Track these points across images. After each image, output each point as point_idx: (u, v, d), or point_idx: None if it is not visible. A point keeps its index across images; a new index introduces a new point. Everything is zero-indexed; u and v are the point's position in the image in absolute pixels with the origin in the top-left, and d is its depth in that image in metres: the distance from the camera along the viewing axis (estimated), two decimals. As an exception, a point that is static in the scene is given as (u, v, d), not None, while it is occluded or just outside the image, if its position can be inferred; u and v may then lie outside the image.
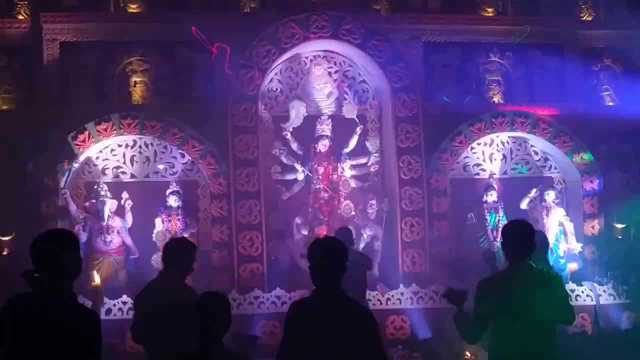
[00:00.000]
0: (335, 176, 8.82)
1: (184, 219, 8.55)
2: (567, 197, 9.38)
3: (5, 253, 8.25)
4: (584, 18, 9.70)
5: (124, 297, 7.86)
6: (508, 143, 9.46)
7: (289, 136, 8.92)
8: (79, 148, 8.35)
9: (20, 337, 2.92)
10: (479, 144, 9.33)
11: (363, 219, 8.84)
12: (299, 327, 3.48)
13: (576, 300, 8.39)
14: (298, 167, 8.90)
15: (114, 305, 7.75)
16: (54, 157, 8.29)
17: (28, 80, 8.75)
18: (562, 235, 8.96)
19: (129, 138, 8.65)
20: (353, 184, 9.01)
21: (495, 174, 9.27)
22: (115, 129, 8.42)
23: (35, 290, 3.08)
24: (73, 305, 3.00)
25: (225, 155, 8.57)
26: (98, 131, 8.40)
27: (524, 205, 9.10)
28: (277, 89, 9.15)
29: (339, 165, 8.88)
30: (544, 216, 8.97)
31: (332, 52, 9.15)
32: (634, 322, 8.40)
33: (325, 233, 8.54)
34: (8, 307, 3.00)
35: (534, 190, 9.00)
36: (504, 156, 9.46)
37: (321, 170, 8.79)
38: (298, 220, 8.74)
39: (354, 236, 7.62)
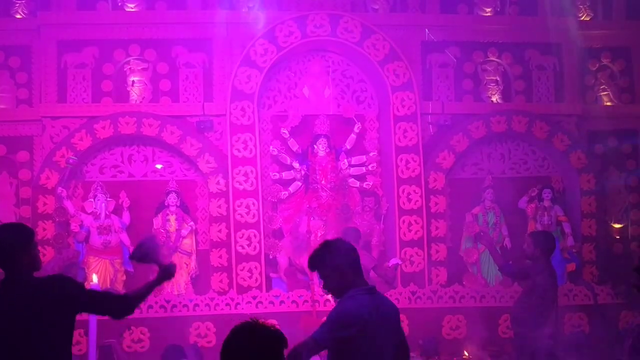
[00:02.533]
0: (333, 175, 8.81)
1: (182, 218, 8.55)
2: (564, 196, 9.38)
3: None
4: (582, 18, 9.71)
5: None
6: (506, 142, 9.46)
7: (287, 135, 8.92)
8: (77, 147, 8.33)
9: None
10: (477, 143, 9.31)
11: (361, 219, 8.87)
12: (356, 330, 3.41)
13: (574, 299, 8.41)
14: (296, 166, 8.90)
15: (112, 304, 7.73)
16: (51, 157, 8.27)
17: (26, 79, 8.72)
18: (560, 234, 8.98)
19: (126, 137, 8.62)
20: (351, 183, 9.00)
21: (493, 173, 9.28)
22: (113, 128, 8.41)
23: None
24: (44, 278, 3.43)
25: (223, 154, 8.56)
26: (96, 130, 8.39)
27: (522, 204, 9.13)
28: (275, 87, 9.14)
29: (337, 164, 8.87)
30: (542, 215, 9.00)
31: (330, 50, 9.14)
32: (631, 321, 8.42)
33: (323, 233, 8.54)
34: None
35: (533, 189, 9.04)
36: (502, 155, 9.46)
37: (319, 169, 8.78)
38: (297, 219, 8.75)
39: (360, 235, 7.66)
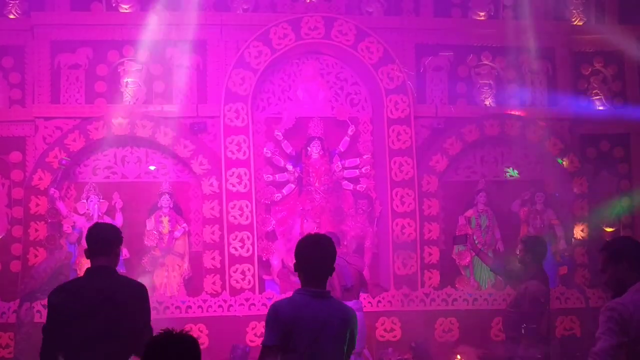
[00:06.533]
0: (326, 178, 8.81)
1: (175, 220, 8.54)
2: (557, 199, 9.41)
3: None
4: (575, 22, 9.76)
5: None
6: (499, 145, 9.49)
7: (280, 137, 8.92)
8: (70, 148, 8.30)
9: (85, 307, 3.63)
10: (470, 146, 9.33)
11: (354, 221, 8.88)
12: (284, 328, 3.36)
13: (566, 303, 8.44)
14: (290, 168, 8.90)
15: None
16: (43, 157, 8.24)
17: (19, 80, 8.69)
18: (553, 238, 9.01)
19: (120, 138, 8.59)
20: (345, 185, 9.01)
21: (486, 176, 9.30)
22: (106, 129, 8.39)
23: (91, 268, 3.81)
24: (124, 277, 3.99)
25: (217, 156, 8.55)
26: (89, 131, 8.36)
27: (515, 207, 9.16)
28: (269, 89, 9.14)
29: (330, 166, 8.88)
30: (535, 219, 9.04)
31: (324, 53, 9.15)
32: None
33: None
34: (65, 291, 3.78)
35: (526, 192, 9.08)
36: (495, 158, 9.49)
37: (313, 171, 8.78)
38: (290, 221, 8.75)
39: (339, 240, 7.64)
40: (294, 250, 3.61)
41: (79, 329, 3.61)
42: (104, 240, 3.83)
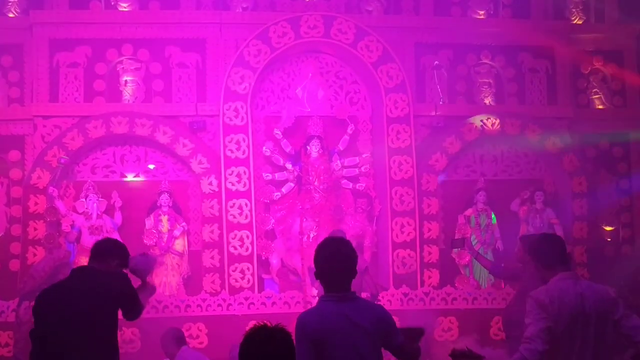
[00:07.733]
0: (326, 176, 8.80)
1: (174, 219, 8.53)
2: (556, 198, 9.41)
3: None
4: (574, 21, 9.76)
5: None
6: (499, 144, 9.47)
7: (280, 136, 8.91)
8: (68, 146, 8.29)
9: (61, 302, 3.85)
10: (470, 145, 9.32)
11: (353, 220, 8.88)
12: (316, 341, 3.25)
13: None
14: (289, 167, 8.89)
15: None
16: (42, 156, 8.23)
17: (17, 78, 8.67)
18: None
19: (119, 136, 8.58)
20: (344, 184, 9.00)
21: (485, 175, 9.29)
22: (105, 127, 8.38)
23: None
24: (103, 271, 4.05)
25: (216, 155, 8.55)
26: (88, 129, 8.35)
27: (514, 206, 9.15)
28: (268, 88, 9.13)
29: (329, 165, 8.87)
30: (534, 218, 9.03)
31: (323, 52, 9.14)
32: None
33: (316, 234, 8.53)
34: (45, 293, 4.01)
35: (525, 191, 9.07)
36: (495, 157, 9.48)
37: (312, 170, 8.77)
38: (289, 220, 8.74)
39: (345, 235, 7.63)
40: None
41: (61, 328, 3.80)
42: (98, 250, 4.13)
